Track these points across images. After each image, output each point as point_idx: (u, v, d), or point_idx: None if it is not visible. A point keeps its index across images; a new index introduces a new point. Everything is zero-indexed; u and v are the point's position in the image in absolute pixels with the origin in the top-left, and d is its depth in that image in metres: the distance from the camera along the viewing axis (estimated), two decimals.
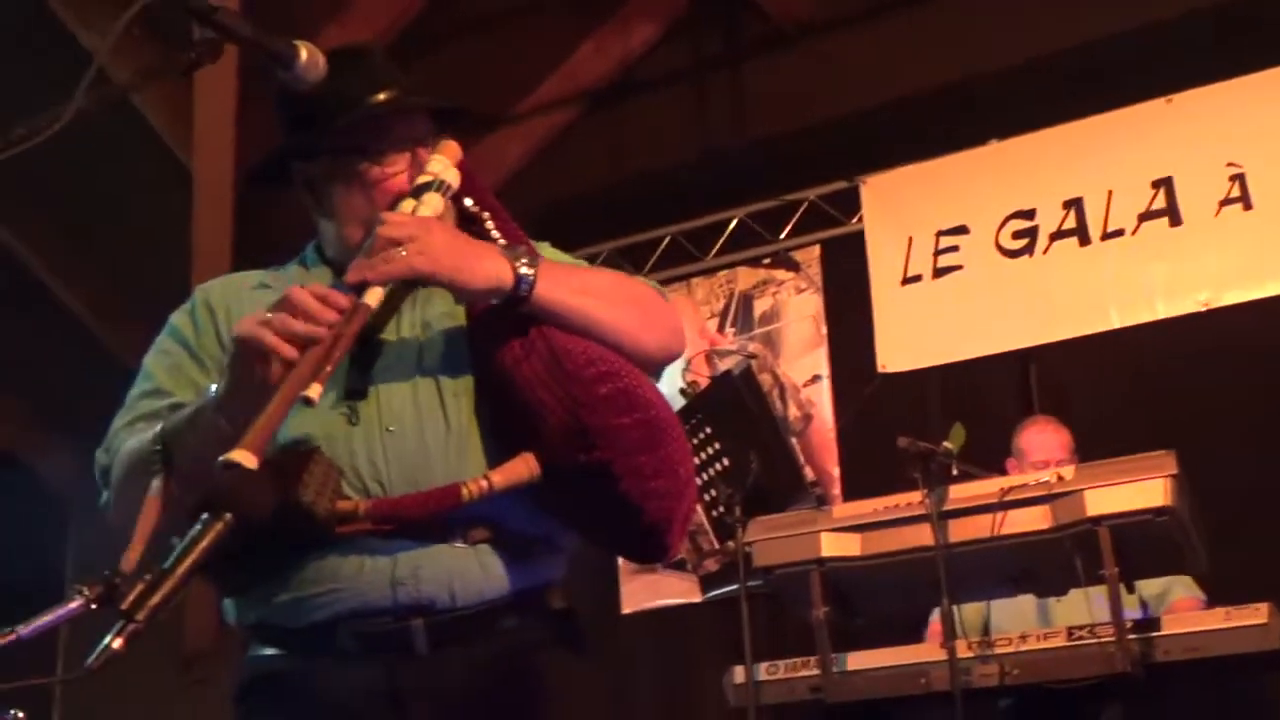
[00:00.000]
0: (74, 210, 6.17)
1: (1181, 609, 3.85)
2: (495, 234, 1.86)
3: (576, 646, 1.86)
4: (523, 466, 1.72)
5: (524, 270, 1.73)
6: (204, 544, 1.49)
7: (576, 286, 1.79)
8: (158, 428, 1.77)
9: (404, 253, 1.68)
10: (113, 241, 6.29)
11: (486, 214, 1.88)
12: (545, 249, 1.94)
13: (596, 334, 1.77)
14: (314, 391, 1.56)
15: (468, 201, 1.88)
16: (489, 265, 1.73)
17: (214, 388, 1.72)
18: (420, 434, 1.76)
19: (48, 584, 6.04)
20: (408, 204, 1.80)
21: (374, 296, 1.68)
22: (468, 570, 1.74)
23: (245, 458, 1.48)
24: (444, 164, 1.84)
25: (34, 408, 6.98)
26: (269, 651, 1.81)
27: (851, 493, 4.92)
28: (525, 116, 6.06)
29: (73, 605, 1.41)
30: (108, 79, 1.69)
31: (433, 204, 1.80)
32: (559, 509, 1.78)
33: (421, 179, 1.83)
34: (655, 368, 1.89)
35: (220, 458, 1.48)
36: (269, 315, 1.64)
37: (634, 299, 1.87)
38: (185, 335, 1.92)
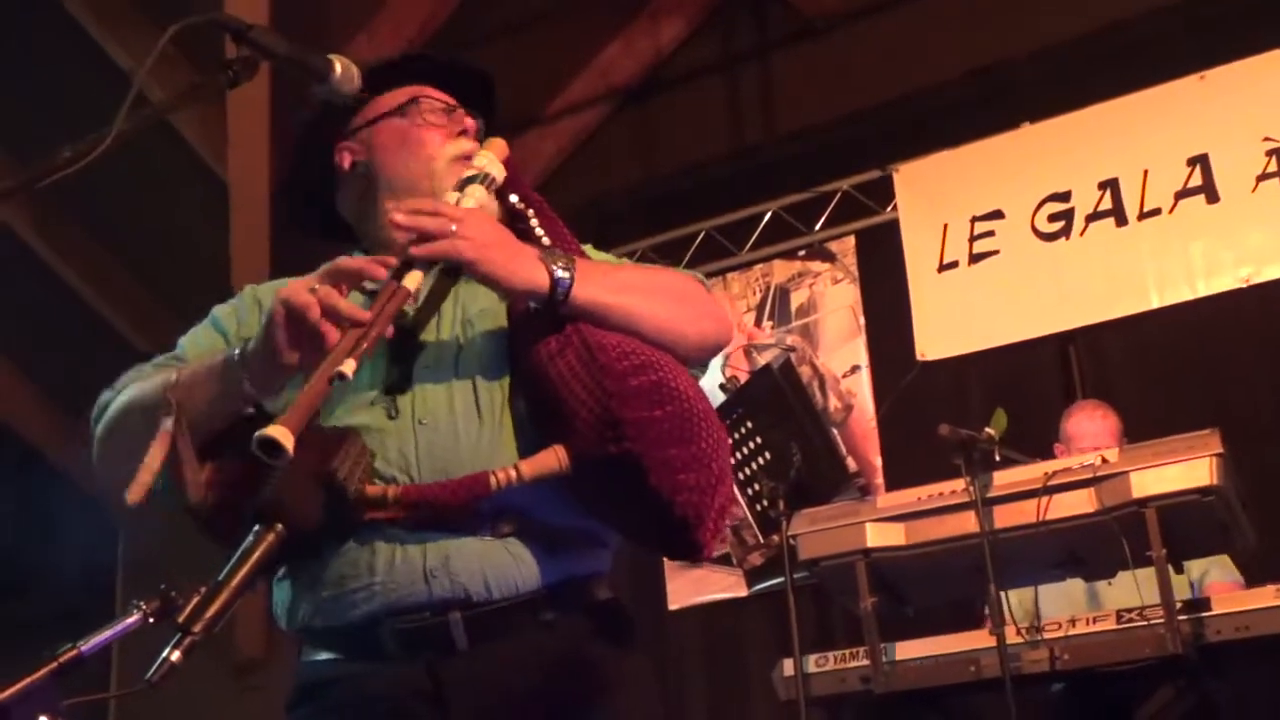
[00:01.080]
0: (113, 228, 6.23)
1: (1214, 593, 3.82)
2: (539, 230, 1.86)
3: (621, 638, 1.84)
4: (552, 458, 1.71)
5: (560, 274, 1.73)
6: (258, 555, 1.51)
7: (615, 285, 1.80)
8: (171, 375, 1.78)
9: (450, 238, 1.70)
10: (152, 257, 6.36)
11: (531, 210, 1.89)
12: (590, 251, 1.95)
13: (639, 331, 1.77)
14: (348, 367, 1.57)
15: (513, 198, 1.89)
16: (527, 269, 1.73)
17: (239, 347, 1.73)
18: (453, 426, 1.77)
19: (98, 590, 6.11)
20: (451, 196, 1.81)
21: (414, 280, 1.69)
22: (499, 561, 1.74)
23: (283, 435, 1.49)
24: (490, 159, 1.86)
25: (75, 419, 7.05)
26: (319, 657, 1.83)
27: (894, 482, 4.91)
28: (556, 117, 6.08)
29: (130, 620, 1.44)
30: (145, 99, 1.71)
31: (476, 196, 1.81)
32: (590, 502, 1.77)
33: (467, 172, 1.85)
34: (701, 360, 1.90)
35: (257, 434, 1.49)
36: (316, 285, 1.66)
37: (676, 293, 1.87)
38: (225, 325, 1.94)
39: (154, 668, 1.40)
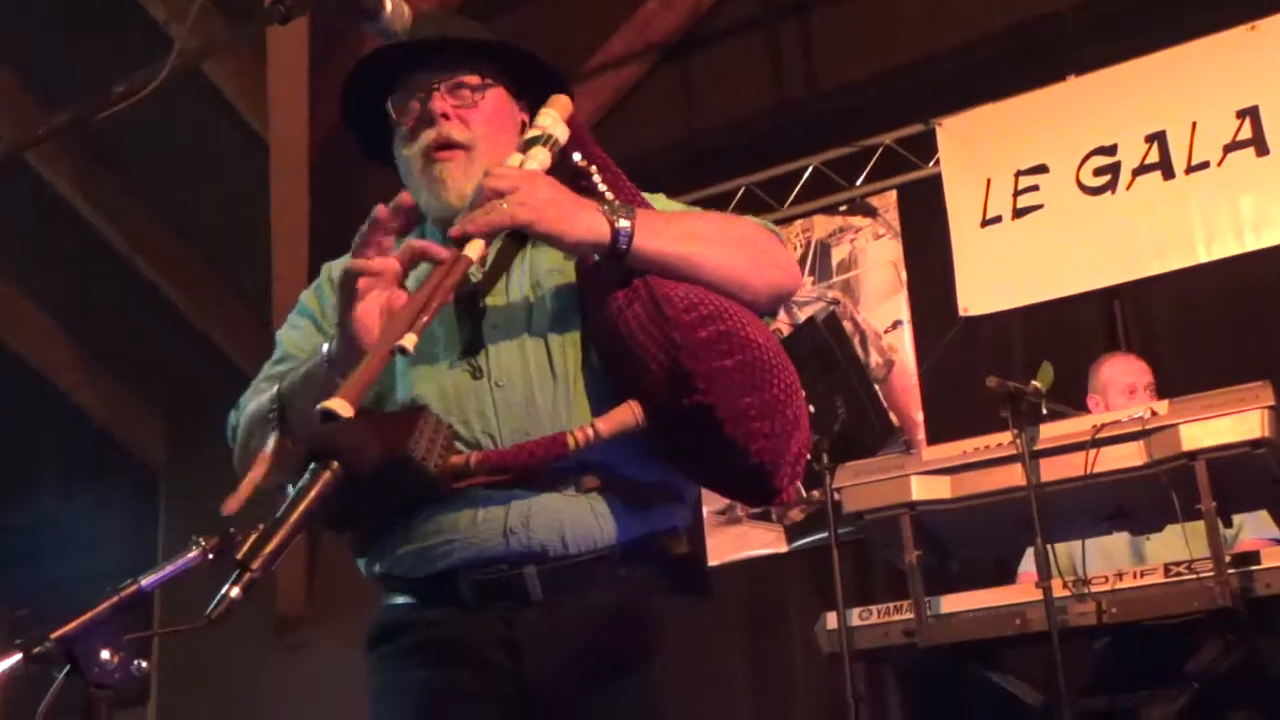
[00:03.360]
0: (156, 185, 6.25)
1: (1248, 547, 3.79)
2: (603, 188, 1.86)
3: (693, 593, 1.86)
4: (628, 413, 1.72)
5: (621, 224, 1.73)
6: (314, 493, 1.51)
7: (678, 234, 1.79)
8: (275, 388, 1.83)
9: (506, 205, 1.69)
10: (192, 215, 6.38)
11: (594, 167, 1.88)
12: (659, 200, 1.95)
13: (704, 280, 1.77)
14: (409, 341, 1.57)
15: (576, 156, 1.88)
16: (588, 219, 1.73)
17: (326, 347, 1.76)
18: (528, 387, 1.79)
19: (139, 561, 6.16)
20: (515, 158, 1.81)
21: (475, 248, 1.69)
22: (580, 517, 1.77)
23: (342, 406, 1.50)
24: (554, 118, 1.85)
25: (123, 382, 7.10)
26: (397, 600, 1.87)
27: (935, 438, 4.88)
28: (595, 73, 6.04)
29: (191, 555, 1.44)
30: (184, 51, 1.71)
31: (539, 158, 1.81)
32: (667, 454, 1.78)
33: (530, 133, 1.84)
34: (769, 306, 1.89)
35: (318, 405, 1.51)
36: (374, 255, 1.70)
37: (741, 241, 1.86)
38: (311, 309, 1.99)
39: (214, 604, 1.40)
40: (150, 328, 6.73)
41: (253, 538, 1.46)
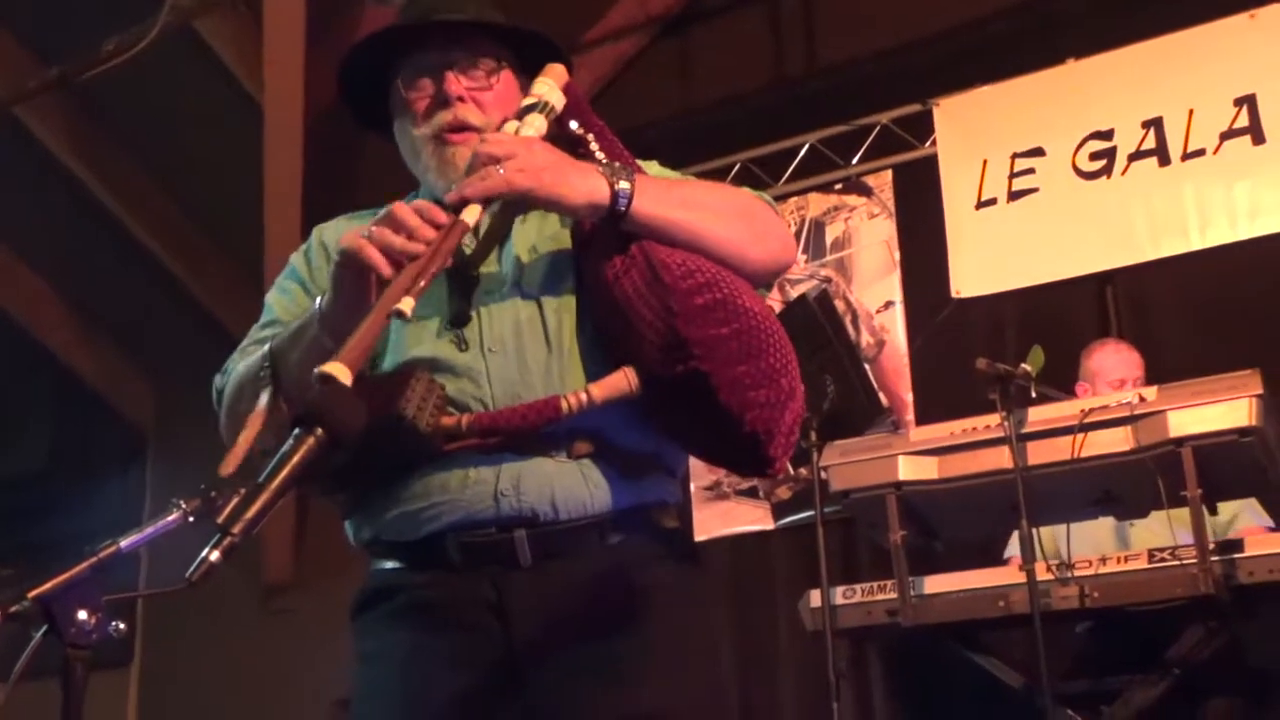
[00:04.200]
0: (148, 147, 6.22)
1: (1246, 535, 3.80)
2: (599, 155, 1.85)
3: (684, 564, 1.86)
4: (622, 379, 1.72)
5: (621, 185, 1.73)
6: (297, 459, 1.50)
7: (677, 200, 1.78)
8: (266, 347, 1.83)
9: (502, 170, 1.68)
10: (185, 177, 6.35)
11: (591, 135, 1.87)
12: (653, 167, 1.94)
13: (701, 248, 1.76)
14: (406, 305, 1.56)
15: (573, 124, 1.87)
16: (587, 181, 1.73)
17: (318, 303, 1.75)
18: (521, 353, 1.78)
19: (128, 521, 6.15)
20: (510, 125, 1.80)
21: (471, 214, 1.68)
22: (570, 483, 1.76)
23: (340, 370, 1.49)
24: (550, 86, 1.84)
25: (112, 342, 7.09)
26: (384, 565, 1.86)
27: (924, 419, 4.88)
28: (594, 45, 6.02)
29: (171, 518, 1.44)
30: (176, 8, 1.69)
31: (535, 125, 1.80)
32: (662, 422, 1.78)
33: (526, 100, 1.83)
34: (765, 279, 1.88)
35: (315, 369, 1.50)
36: (371, 229, 1.67)
37: (740, 211, 1.85)
38: (301, 273, 1.98)
39: (193, 566, 1.39)
40: (141, 289, 6.71)
41: (234, 501, 1.45)
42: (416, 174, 1.93)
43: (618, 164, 1.79)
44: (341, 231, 1.93)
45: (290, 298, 1.96)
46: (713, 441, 1.78)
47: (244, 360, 1.88)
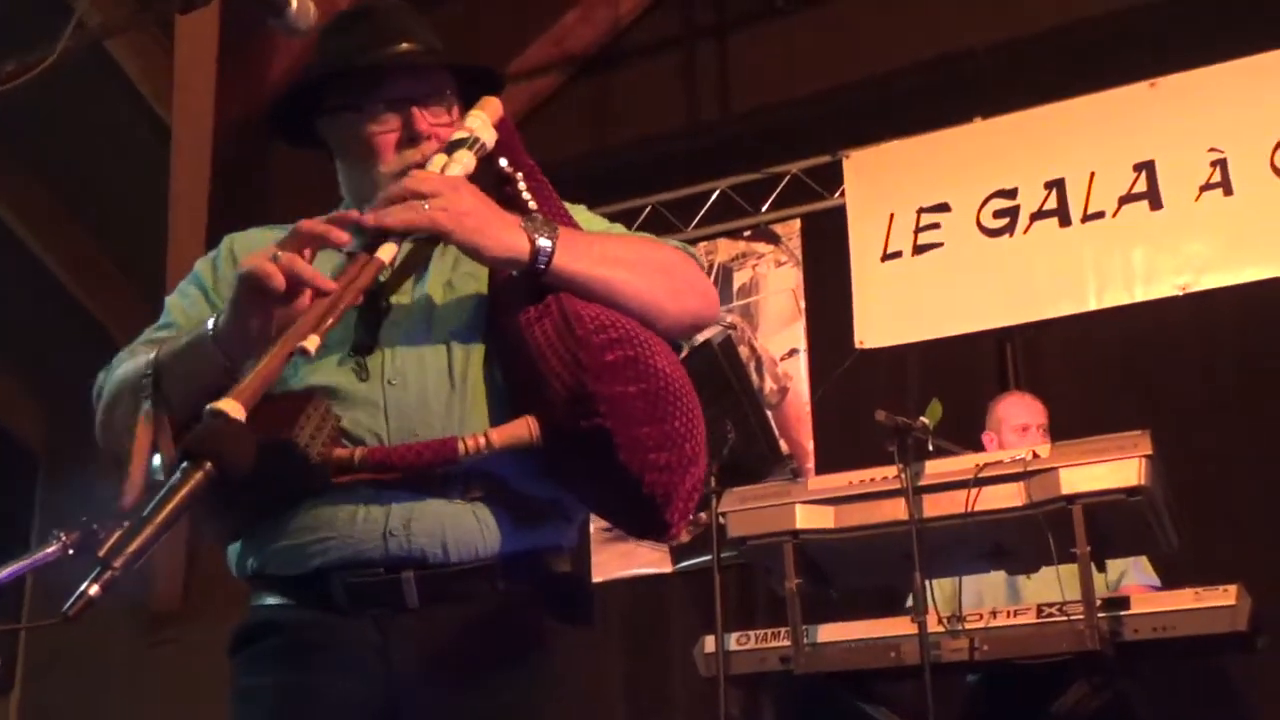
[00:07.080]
0: (52, 167, 6.10)
1: (1130, 593, 3.87)
2: (526, 196, 1.83)
3: (572, 613, 1.83)
4: (523, 428, 1.70)
5: (542, 242, 1.70)
6: (184, 492, 1.46)
7: (598, 256, 1.76)
8: (153, 354, 1.77)
9: (427, 206, 1.67)
10: (89, 198, 6.23)
11: (520, 174, 1.85)
12: (580, 212, 1.92)
13: (620, 304, 1.75)
14: (311, 343, 1.54)
15: (503, 161, 1.85)
16: (507, 235, 1.70)
17: (210, 322, 1.71)
18: (423, 389, 1.75)
19: (13, 541, 6.00)
20: (438, 160, 1.77)
21: (387, 251, 1.65)
22: (462, 526, 1.73)
23: (234, 408, 1.46)
24: (482, 121, 1.82)
25: (4, 361, 6.91)
26: (267, 601, 1.82)
27: (825, 467, 4.93)
28: (510, 80, 6.01)
29: (49, 550, 1.40)
30: (85, 26, 1.66)
31: (463, 162, 1.77)
32: (561, 475, 1.76)
33: (457, 135, 1.80)
34: (683, 334, 1.87)
35: (208, 406, 1.46)
36: (279, 253, 1.63)
37: (661, 266, 1.84)
38: (204, 280, 1.93)
39: (71, 601, 1.35)
40: (34, 306, 6.56)
41: (117, 534, 1.42)
42: (356, 206, 1.87)
43: (540, 217, 1.76)
44: (255, 243, 1.89)
45: (190, 302, 1.91)
46: (610, 500, 1.76)
47: (131, 360, 1.82)
